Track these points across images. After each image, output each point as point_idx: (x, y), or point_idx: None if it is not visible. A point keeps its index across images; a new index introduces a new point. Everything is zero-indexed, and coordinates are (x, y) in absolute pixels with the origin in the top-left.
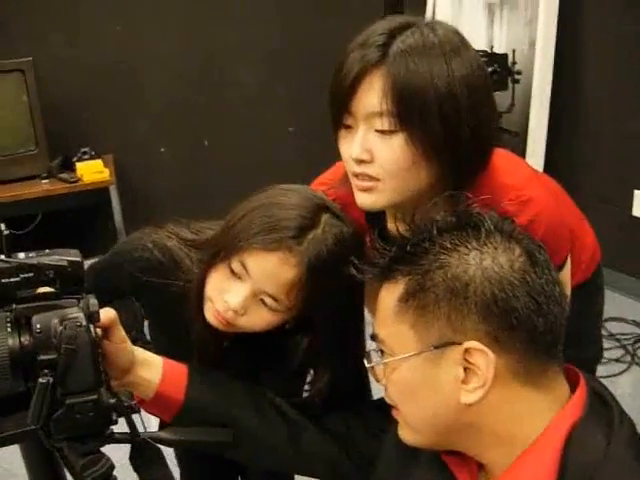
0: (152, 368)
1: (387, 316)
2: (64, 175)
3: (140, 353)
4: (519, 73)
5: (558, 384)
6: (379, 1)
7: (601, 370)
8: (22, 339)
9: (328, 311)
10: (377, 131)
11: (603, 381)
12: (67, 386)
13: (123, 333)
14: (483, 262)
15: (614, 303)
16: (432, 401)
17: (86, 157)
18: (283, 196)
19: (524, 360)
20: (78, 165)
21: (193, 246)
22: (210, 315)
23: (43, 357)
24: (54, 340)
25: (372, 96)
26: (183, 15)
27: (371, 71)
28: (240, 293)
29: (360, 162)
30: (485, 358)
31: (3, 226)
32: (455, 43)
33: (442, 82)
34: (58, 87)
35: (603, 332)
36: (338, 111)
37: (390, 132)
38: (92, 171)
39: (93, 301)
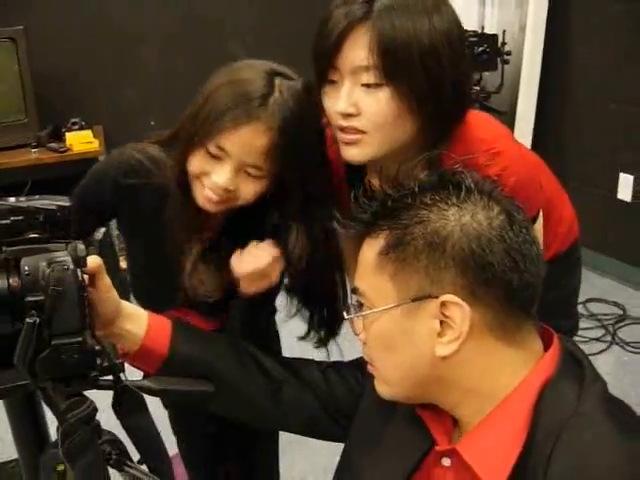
0: (137, 321)
1: (368, 269)
2: (53, 145)
3: (126, 306)
4: (509, 54)
5: (532, 341)
6: None
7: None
8: (11, 281)
9: (301, 166)
10: (363, 85)
11: None
12: (53, 327)
13: (109, 281)
14: (462, 218)
15: (596, 284)
16: (408, 353)
17: (76, 127)
18: (238, 72)
19: (499, 315)
20: (68, 135)
21: (171, 139)
22: (201, 197)
23: (30, 298)
24: (42, 282)
25: (359, 51)
26: None
27: (356, 27)
28: (225, 171)
29: (347, 116)
30: (461, 311)
31: None
32: None
33: (425, 36)
34: (49, 57)
35: (584, 312)
36: (324, 67)
37: (376, 85)
38: (81, 141)
39: (81, 246)
